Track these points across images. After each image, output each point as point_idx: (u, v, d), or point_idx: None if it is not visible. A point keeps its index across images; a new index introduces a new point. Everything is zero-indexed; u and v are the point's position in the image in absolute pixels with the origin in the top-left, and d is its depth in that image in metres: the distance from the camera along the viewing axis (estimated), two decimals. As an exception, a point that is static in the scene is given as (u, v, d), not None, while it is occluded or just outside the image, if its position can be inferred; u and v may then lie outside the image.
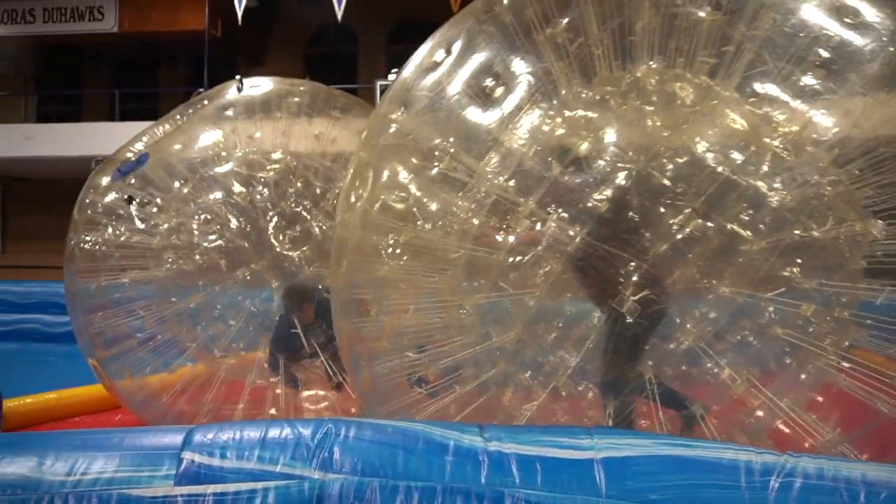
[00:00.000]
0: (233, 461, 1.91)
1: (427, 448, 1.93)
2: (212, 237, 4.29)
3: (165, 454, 1.94)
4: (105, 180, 4.56)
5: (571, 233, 2.62)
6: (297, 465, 1.90)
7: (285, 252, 4.35)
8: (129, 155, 4.57)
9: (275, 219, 4.36)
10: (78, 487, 1.86)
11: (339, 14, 13.81)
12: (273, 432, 1.99)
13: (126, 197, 4.38)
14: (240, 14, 14.13)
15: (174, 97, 18.68)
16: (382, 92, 14.13)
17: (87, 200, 4.57)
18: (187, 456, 1.93)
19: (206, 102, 4.76)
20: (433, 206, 2.84)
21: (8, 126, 16.06)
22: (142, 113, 16.59)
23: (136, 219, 4.34)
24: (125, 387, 4.45)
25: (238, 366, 4.35)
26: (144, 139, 4.71)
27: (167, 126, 4.75)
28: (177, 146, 4.57)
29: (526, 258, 2.67)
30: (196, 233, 4.30)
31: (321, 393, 4.51)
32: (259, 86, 4.75)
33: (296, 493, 1.85)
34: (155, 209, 4.38)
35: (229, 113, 4.59)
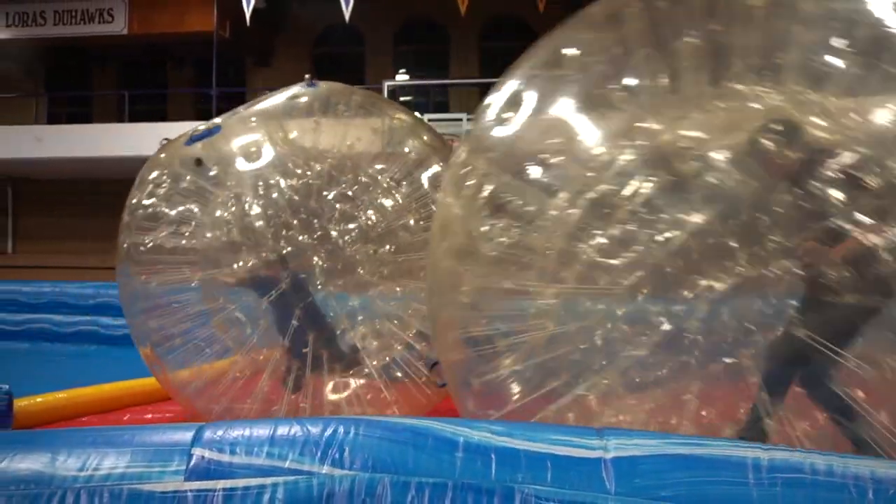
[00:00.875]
0: (242, 457, 1.93)
1: (436, 444, 1.94)
2: (260, 212, 4.57)
3: (175, 450, 1.96)
4: (163, 156, 4.93)
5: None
6: (306, 462, 1.91)
7: (331, 233, 4.56)
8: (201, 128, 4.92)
9: (324, 201, 4.59)
10: (90, 482, 1.88)
11: (347, 15, 13.85)
12: (282, 430, 2.00)
13: (196, 160, 4.71)
14: (248, 15, 14.20)
15: (183, 98, 18.81)
16: (390, 93, 14.14)
17: (149, 169, 4.90)
18: (197, 452, 1.94)
19: (272, 98, 5.09)
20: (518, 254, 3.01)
21: (19, 128, 16.18)
22: (151, 114, 16.70)
23: (193, 185, 4.66)
24: (162, 348, 4.70)
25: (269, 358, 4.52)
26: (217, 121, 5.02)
27: (232, 118, 5.07)
28: (241, 128, 4.87)
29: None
30: (247, 206, 4.56)
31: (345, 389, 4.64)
32: (323, 86, 5.12)
33: (304, 489, 1.86)
34: (213, 175, 4.69)
35: (294, 104, 4.92)
